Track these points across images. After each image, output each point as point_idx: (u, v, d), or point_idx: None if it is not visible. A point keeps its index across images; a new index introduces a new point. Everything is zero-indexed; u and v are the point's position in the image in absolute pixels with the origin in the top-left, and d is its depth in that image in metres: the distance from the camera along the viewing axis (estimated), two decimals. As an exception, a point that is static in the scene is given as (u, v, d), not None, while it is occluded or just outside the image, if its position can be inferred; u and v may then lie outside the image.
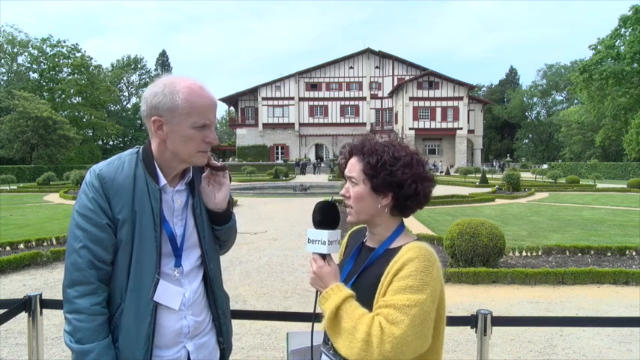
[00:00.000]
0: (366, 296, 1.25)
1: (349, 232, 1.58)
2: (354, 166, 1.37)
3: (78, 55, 56.70)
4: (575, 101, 66.40)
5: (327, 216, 1.30)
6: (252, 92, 59.67)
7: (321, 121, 59.03)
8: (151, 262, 1.39)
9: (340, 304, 1.20)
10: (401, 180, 1.31)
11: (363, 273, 1.34)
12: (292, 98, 58.75)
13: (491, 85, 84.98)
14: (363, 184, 1.34)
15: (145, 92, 1.41)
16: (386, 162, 1.31)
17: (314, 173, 45.56)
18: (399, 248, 1.30)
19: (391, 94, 58.55)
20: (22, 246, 8.14)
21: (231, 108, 62.72)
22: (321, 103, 59.07)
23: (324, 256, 1.29)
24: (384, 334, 1.14)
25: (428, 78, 53.85)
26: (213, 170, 1.52)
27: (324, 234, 1.28)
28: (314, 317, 1.42)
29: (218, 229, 1.56)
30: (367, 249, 1.41)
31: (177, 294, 1.44)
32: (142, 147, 1.49)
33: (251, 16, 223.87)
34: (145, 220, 1.39)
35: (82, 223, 1.36)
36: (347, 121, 58.79)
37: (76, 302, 1.33)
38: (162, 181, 1.44)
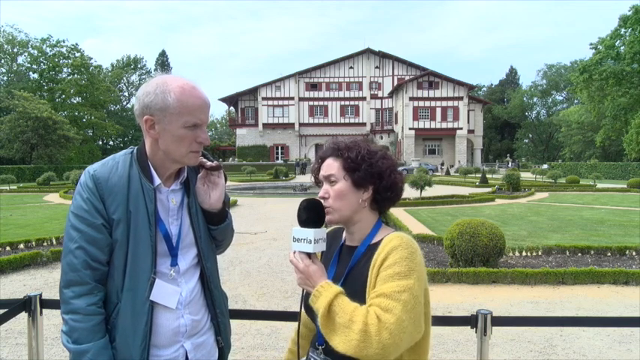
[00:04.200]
0: (356, 295, 1.25)
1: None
2: (330, 166, 1.38)
3: (77, 55, 56.69)
4: (575, 101, 66.38)
5: (312, 214, 1.29)
6: (252, 92, 59.67)
7: (321, 121, 59.02)
8: (146, 262, 1.39)
9: (332, 300, 1.20)
10: (381, 170, 1.36)
11: (350, 273, 1.35)
12: (292, 98, 58.75)
13: (492, 85, 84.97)
14: (344, 180, 1.35)
15: (139, 91, 1.42)
16: (365, 155, 1.36)
17: None
18: (380, 241, 1.32)
19: (391, 94, 58.55)
20: (22, 246, 8.15)
21: (231, 108, 62.71)
22: (321, 103, 59.07)
23: (309, 255, 1.28)
24: (381, 322, 1.14)
25: (428, 78, 53.85)
26: (208, 170, 1.51)
27: (310, 232, 1.26)
28: (299, 318, 1.42)
29: (214, 228, 1.56)
30: (348, 249, 1.41)
31: (174, 293, 1.43)
32: (136, 147, 1.49)
33: (249, 16, 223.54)
34: (140, 220, 1.39)
35: (77, 224, 1.36)
36: (347, 121, 58.79)
37: (73, 302, 1.33)
38: (157, 180, 1.44)
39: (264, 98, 59.04)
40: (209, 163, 1.50)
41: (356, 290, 1.27)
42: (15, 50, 56.76)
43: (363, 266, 1.31)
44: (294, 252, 1.29)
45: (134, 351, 1.35)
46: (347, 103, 59.18)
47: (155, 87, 1.37)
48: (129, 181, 1.40)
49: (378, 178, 1.35)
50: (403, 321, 1.16)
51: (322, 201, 1.38)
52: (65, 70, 57.43)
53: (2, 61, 56.16)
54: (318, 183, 1.45)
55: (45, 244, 8.42)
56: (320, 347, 1.34)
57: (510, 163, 54.62)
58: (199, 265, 1.53)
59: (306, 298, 1.30)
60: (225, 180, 1.58)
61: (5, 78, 56.76)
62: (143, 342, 1.36)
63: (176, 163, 1.45)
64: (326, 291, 1.22)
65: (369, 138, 1.48)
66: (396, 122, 57.36)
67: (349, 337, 1.15)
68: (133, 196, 1.39)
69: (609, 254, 7.56)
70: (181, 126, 1.37)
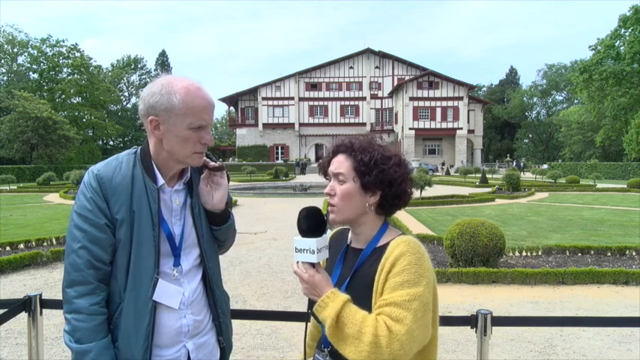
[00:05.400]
0: (361, 298, 1.24)
1: (330, 235, 1.55)
2: (341, 164, 1.35)
3: (77, 55, 56.68)
4: (575, 101, 66.39)
5: (313, 223, 1.27)
6: (252, 92, 59.68)
7: (321, 121, 59.03)
8: (149, 262, 1.39)
9: (340, 311, 1.18)
10: (392, 178, 1.33)
11: (354, 275, 1.33)
12: (292, 98, 58.77)
13: (492, 85, 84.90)
14: (353, 182, 1.33)
15: (144, 91, 1.42)
16: (378, 160, 1.32)
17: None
18: (386, 245, 1.30)
19: (391, 94, 58.56)
20: (22, 246, 8.15)
21: (231, 108, 62.72)
22: (321, 103, 59.08)
23: (313, 265, 1.26)
24: (392, 333, 1.14)
25: (428, 78, 53.86)
26: (211, 170, 1.52)
27: (312, 242, 1.23)
28: (308, 319, 1.41)
29: (216, 229, 1.56)
30: (354, 251, 1.40)
31: (177, 293, 1.44)
32: (140, 147, 1.49)
33: (249, 16, 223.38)
34: (143, 220, 1.39)
35: (80, 224, 1.36)
36: (347, 121, 58.79)
37: (75, 302, 1.33)
38: (160, 180, 1.44)
39: (264, 98, 59.03)
40: (212, 164, 1.50)
41: (360, 292, 1.27)
42: (15, 50, 56.72)
43: (369, 269, 1.30)
44: (297, 262, 1.27)
45: (136, 351, 1.36)
46: (347, 103, 59.19)
47: (160, 87, 1.37)
48: (132, 181, 1.40)
49: (388, 185, 1.32)
50: (414, 330, 1.15)
51: (327, 197, 1.37)
52: (65, 70, 57.39)
53: (2, 61, 56.14)
54: (326, 176, 1.43)
55: (45, 244, 8.42)
56: (326, 350, 1.34)
57: (514, 163, 54.35)
58: (202, 266, 1.53)
59: (312, 305, 1.29)
60: (228, 180, 1.58)
61: (5, 78, 56.73)
62: (145, 342, 1.37)
63: (180, 164, 1.46)
64: (332, 301, 1.20)
65: (372, 137, 1.45)
66: (396, 122, 57.36)
67: (359, 348, 1.14)
68: (136, 196, 1.39)
69: (609, 254, 7.56)
70: (186, 127, 1.37)
